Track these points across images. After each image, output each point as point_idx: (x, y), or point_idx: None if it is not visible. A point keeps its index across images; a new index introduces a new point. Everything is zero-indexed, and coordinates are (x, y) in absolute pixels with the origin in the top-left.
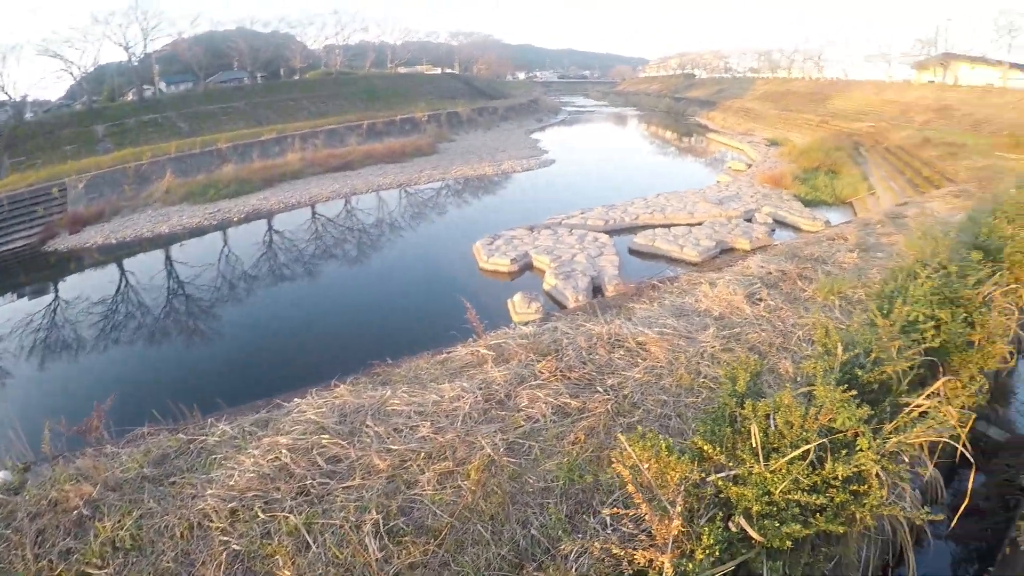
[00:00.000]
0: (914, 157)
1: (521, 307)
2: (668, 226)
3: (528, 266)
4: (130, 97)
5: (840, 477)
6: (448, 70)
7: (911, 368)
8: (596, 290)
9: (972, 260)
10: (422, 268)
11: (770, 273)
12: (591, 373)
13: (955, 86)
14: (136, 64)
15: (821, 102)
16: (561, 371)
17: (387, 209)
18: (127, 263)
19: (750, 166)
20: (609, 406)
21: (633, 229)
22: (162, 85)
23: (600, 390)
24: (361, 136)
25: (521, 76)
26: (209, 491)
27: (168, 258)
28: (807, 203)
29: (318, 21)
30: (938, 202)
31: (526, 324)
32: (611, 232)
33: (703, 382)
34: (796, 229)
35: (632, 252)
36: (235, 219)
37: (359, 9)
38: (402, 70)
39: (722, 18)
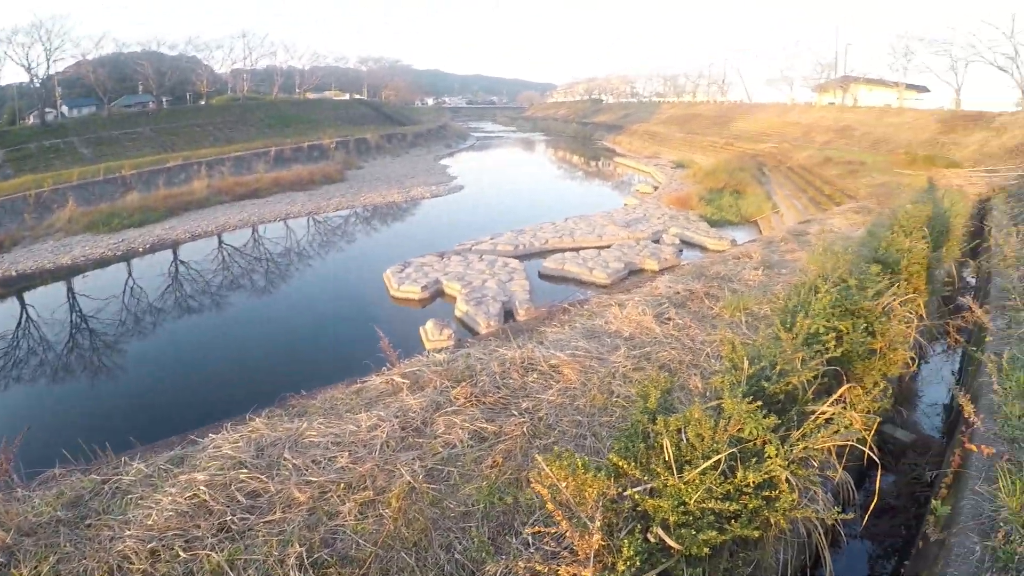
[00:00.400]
0: (816, 176)
1: (433, 334)
2: (577, 249)
3: (439, 293)
4: (31, 121)
5: (752, 484)
6: (357, 96)
7: (815, 378)
8: (508, 315)
9: (871, 273)
10: (333, 297)
11: (678, 293)
12: (506, 397)
13: (854, 107)
14: (38, 86)
15: (726, 125)
16: (476, 396)
17: (296, 238)
18: (28, 296)
19: (657, 188)
20: (525, 429)
21: (543, 253)
22: (64, 108)
23: (515, 414)
24: (269, 163)
25: (430, 102)
26: (127, 532)
27: (71, 291)
28: (713, 223)
29: (226, 44)
30: (839, 219)
31: (439, 351)
32: (521, 257)
33: (616, 401)
34: (703, 249)
35: (542, 276)
36: (140, 249)
37: (267, 33)
38: (310, 96)
39: (629, 44)
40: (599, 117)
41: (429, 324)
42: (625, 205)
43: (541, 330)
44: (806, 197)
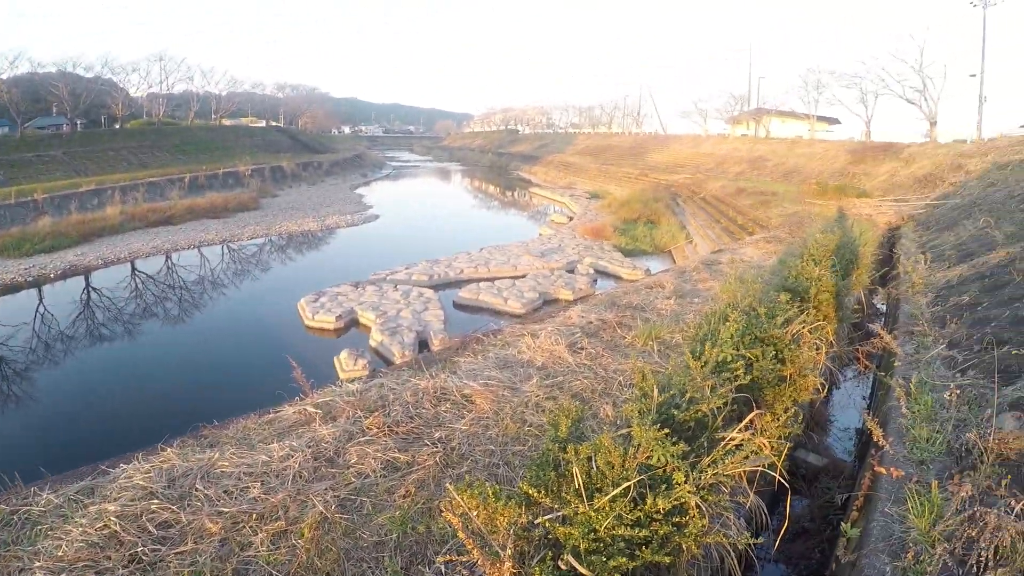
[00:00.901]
0: (729, 206)
1: (348, 364)
2: (493, 279)
3: (354, 322)
4: None
5: (661, 511)
6: (274, 123)
7: (725, 405)
8: (422, 345)
9: (781, 301)
10: (247, 326)
11: (591, 323)
12: (419, 427)
13: (767, 139)
14: None
15: (641, 156)
16: (389, 426)
17: (210, 266)
18: None
19: (571, 219)
20: (438, 458)
21: (458, 283)
22: None
23: (428, 443)
24: (183, 190)
25: (347, 130)
26: (37, 563)
27: None
28: (627, 253)
29: (143, 67)
30: (751, 248)
31: (352, 381)
32: (436, 287)
33: (529, 430)
34: (617, 278)
35: (457, 306)
36: (52, 275)
37: (184, 57)
38: (227, 122)
39: (545, 75)
40: (515, 147)
41: (343, 354)
42: (540, 235)
43: (455, 360)
44: (719, 227)
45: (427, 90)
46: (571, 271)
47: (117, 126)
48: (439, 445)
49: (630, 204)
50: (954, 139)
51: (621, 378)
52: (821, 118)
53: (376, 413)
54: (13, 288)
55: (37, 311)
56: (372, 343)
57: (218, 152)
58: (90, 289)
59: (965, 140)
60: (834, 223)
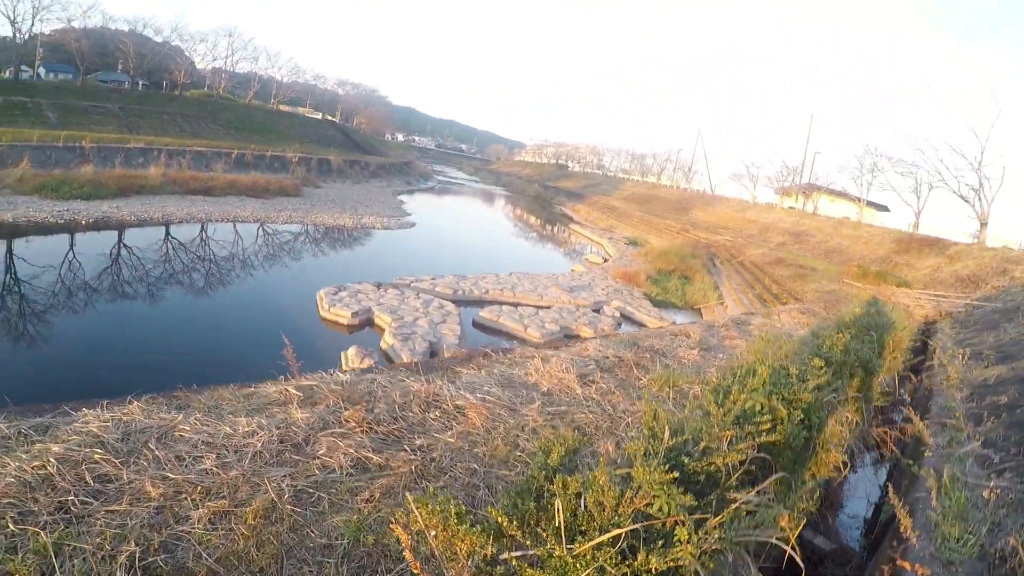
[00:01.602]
0: (766, 274)
1: (354, 361)
2: (516, 305)
3: (369, 322)
4: (6, 75)
5: (654, 571)
6: (330, 117)
7: (742, 463)
8: (432, 355)
9: (814, 366)
10: (262, 306)
11: (607, 358)
12: (401, 430)
13: (814, 215)
14: (20, 42)
15: (685, 211)
16: (368, 423)
17: (239, 243)
18: None
19: (606, 260)
20: (414, 467)
21: (481, 302)
22: (41, 71)
23: (407, 449)
24: (228, 164)
25: (400, 137)
26: None
27: (10, 251)
28: (657, 303)
29: (211, 39)
30: (784, 316)
31: (344, 372)
32: (458, 302)
33: (520, 456)
34: (641, 326)
35: (476, 325)
36: (83, 223)
37: (253, 37)
38: (284, 108)
39: (601, 118)
40: (562, 183)
41: (351, 350)
42: (572, 271)
43: (456, 370)
44: (753, 293)
45: (484, 112)
46: (597, 311)
47: (177, 92)
48: (418, 453)
49: (667, 255)
50: (1003, 244)
51: (630, 419)
52: (871, 203)
53: (359, 406)
54: (44, 229)
55: (65, 257)
56: (383, 345)
57: (271, 135)
58: (121, 244)
59: (1014, 247)
60: (870, 305)
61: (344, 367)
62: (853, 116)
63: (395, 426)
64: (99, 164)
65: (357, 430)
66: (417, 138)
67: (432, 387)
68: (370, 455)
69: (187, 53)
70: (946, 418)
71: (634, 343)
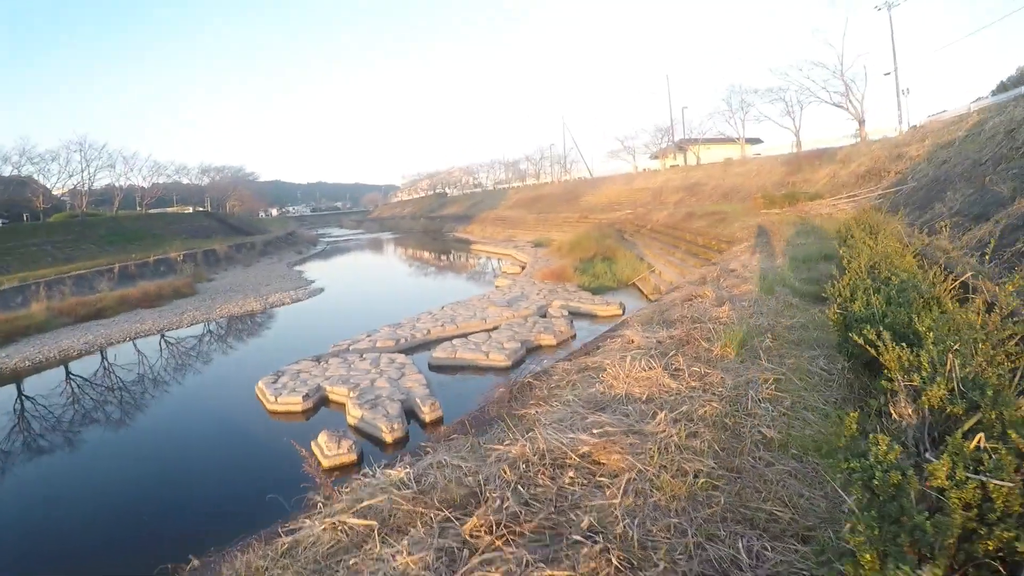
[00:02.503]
0: (684, 230)
1: (330, 448)
2: (465, 335)
3: (324, 401)
4: None
5: None
6: (200, 208)
7: None
8: (409, 415)
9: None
10: (204, 423)
11: (661, 342)
12: (550, 517)
13: (699, 165)
14: None
15: (575, 200)
16: (505, 525)
17: (151, 360)
18: None
19: (524, 267)
20: (615, 560)
21: (427, 344)
22: None
23: (580, 539)
24: (113, 281)
25: (274, 212)
26: None
27: None
28: (593, 291)
29: (62, 156)
30: (748, 256)
31: (388, 467)
32: (405, 351)
33: (701, 483)
34: (593, 316)
35: (433, 368)
36: None
37: (105, 143)
38: (153, 211)
39: (466, 136)
40: (447, 210)
41: (322, 438)
42: (498, 287)
43: (520, 413)
44: (680, 251)
45: (349, 166)
46: (543, 315)
47: (39, 221)
48: (599, 539)
49: (581, 244)
50: (882, 136)
51: (753, 393)
52: (749, 140)
53: (470, 508)
54: None
55: None
56: (351, 420)
57: (147, 240)
58: (21, 397)
59: (893, 134)
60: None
61: (322, 459)
62: (713, 67)
63: (540, 515)
64: None
65: (498, 543)
66: (292, 208)
67: (536, 442)
68: (550, 574)
69: (38, 177)
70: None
71: (663, 319)
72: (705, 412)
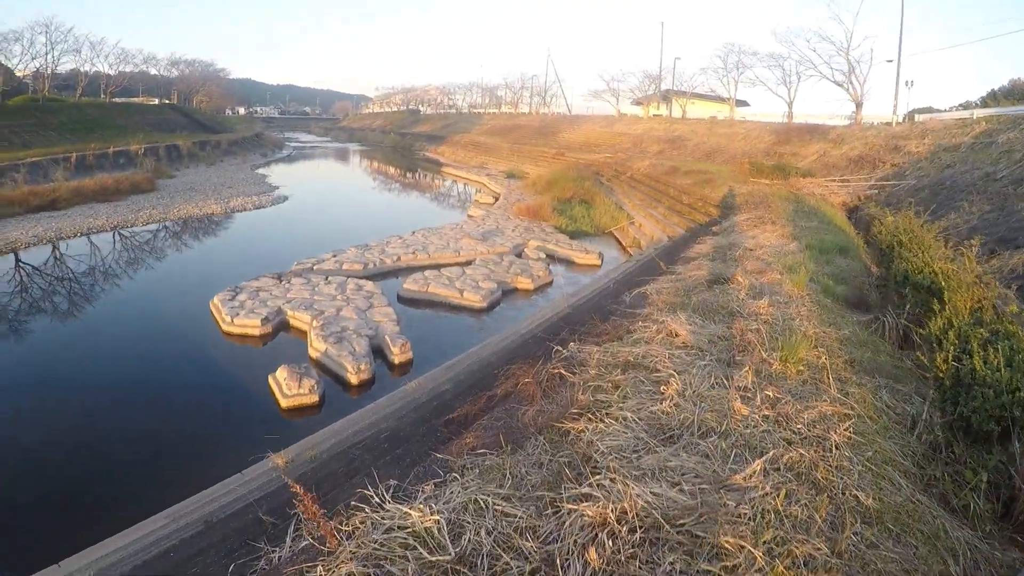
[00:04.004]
0: (667, 185)
1: (289, 387)
2: (437, 267)
3: (284, 325)
4: None
5: None
6: (167, 101)
7: None
8: (376, 352)
9: None
10: (151, 338)
11: (714, 342)
12: None
13: (684, 119)
14: None
15: (552, 135)
16: None
17: (101, 257)
18: None
19: (497, 199)
20: None
21: (396, 272)
22: None
23: None
24: (70, 171)
25: (242, 111)
26: None
27: None
28: (569, 234)
29: (26, 36)
30: (755, 230)
31: (410, 505)
32: (372, 276)
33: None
34: (569, 263)
35: (403, 300)
36: None
37: (72, 26)
38: (118, 100)
39: (445, 55)
40: (418, 127)
41: (281, 372)
42: (471, 217)
43: (566, 427)
44: (663, 206)
45: (322, 72)
46: (519, 255)
47: None
48: None
49: (558, 183)
50: (878, 121)
51: (836, 437)
52: (740, 102)
53: None
54: None
55: None
56: (313, 353)
57: (110, 131)
58: None
59: (891, 122)
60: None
61: (280, 398)
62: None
63: None
64: None
65: None
66: (260, 108)
67: (610, 508)
68: None
69: (2, 59)
70: None
71: (705, 307)
72: (790, 460)
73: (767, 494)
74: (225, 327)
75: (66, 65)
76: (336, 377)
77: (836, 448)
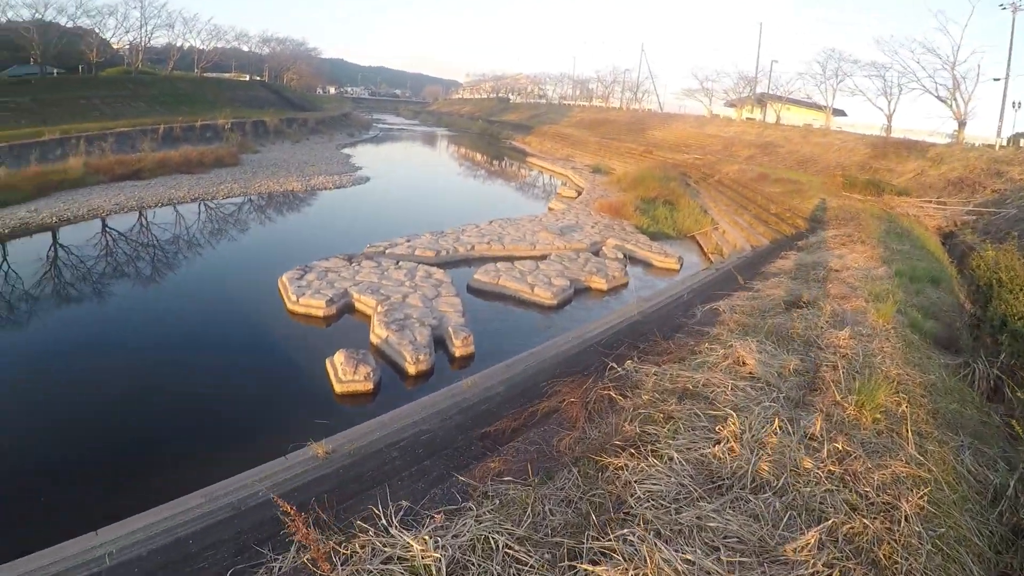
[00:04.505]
0: (755, 191)
1: (345, 372)
2: (509, 259)
3: (349, 307)
4: None
5: None
6: (257, 78)
7: None
8: (438, 343)
9: None
10: (218, 312)
11: (783, 375)
12: None
13: (778, 125)
14: None
15: (641, 132)
16: None
17: (179, 230)
18: None
19: (580, 193)
20: None
21: (469, 261)
22: None
23: None
24: (156, 142)
25: (332, 90)
26: None
27: None
28: (650, 235)
29: (120, 11)
30: (844, 250)
31: (408, 540)
32: (444, 264)
33: None
34: (648, 264)
35: (472, 291)
36: None
37: (166, 2)
38: (210, 75)
39: (538, 45)
40: (507, 116)
41: (339, 357)
42: (551, 210)
43: (604, 461)
44: (749, 214)
45: (415, 56)
46: (596, 252)
47: (91, 74)
48: None
49: (644, 182)
50: (982, 143)
51: (907, 507)
52: (837, 111)
53: None
54: None
55: None
56: (374, 339)
57: (199, 105)
58: (58, 244)
59: (993, 145)
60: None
61: (335, 382)
62: (814, 22)
63: None
64: (13, 164)
65: None
66: (350, 89)
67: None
68: None
69: (97, 31)
70: None
71: (778, 332)
72: (851, 531)
73: (818, 573)
74: (290, 305)
75: (160, 39)
76: (394, 365)
77: (906, 520)
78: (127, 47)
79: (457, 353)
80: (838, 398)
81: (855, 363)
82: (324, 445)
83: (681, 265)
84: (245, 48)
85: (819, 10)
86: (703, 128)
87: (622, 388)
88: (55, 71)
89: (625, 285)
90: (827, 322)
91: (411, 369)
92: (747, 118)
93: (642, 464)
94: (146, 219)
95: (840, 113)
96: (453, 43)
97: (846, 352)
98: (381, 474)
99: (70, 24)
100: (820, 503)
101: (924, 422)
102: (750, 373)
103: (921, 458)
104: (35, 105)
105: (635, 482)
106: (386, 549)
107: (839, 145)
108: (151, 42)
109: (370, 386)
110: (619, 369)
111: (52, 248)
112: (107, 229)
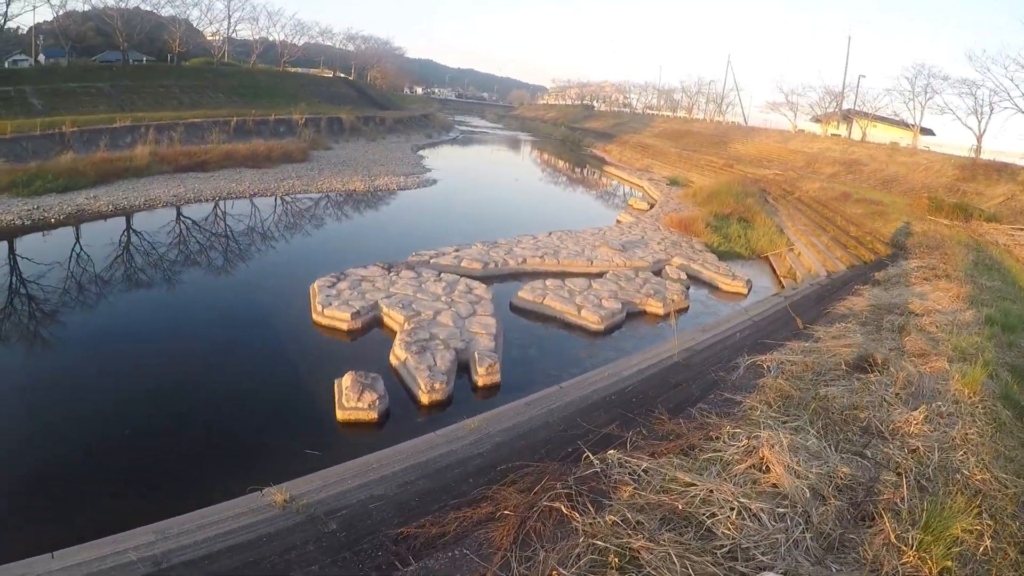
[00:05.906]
0: (834, 212)
1: (349, 398)
2: (562, 275)
3: (376, 322)
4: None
5: None
6: (341, 75)
7: None
8: (461, 370)
9: None
10: (243, 315)
11: (820, 491)
12: None
13: (863, 142)
14: (9, 31)
15: (723, 145)
16: None
17: (228, 223)
18: None
19: (652, 206)
20: None
21: (518, 275)
22: (41, 58)
23: None
24: (228, 134)
25: (419, 91)
26: None
27: None
28: (720, 254)
29: (204, 2)
30: (926, 287)
31: None
32: (490, 279)
33: None
34: (713, 287)
35: (514, 309)
36: (52, 220)
37: None
38: (291, 70)
39: (625, 53)
40: (590, 123)
41: (347, 380)
42: (618, 222)
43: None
44: (827, 236)
45: (503, 59)
46: (657, 272)
47: (174, 63)
48: None
49: (719, 197)
50: None
51: None
52: (924, 130)
53: None
54: (8, 233)
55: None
56: (393, 360)
57: (278, 98)
58: (80, 244)
59: None
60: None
61: (338, 408)
62: (902, 35)
63: None
64: (82, 149)
65: None
66: (437, 90)
67: None
68: None
69: (182, 19)
70: None
71: (818, 410)
72: None
73: None
74: (315, 316)
75: (243, 32)
76: (409, 392)
77: None
78: (219, 39)
79: (480, 382)
80: (893, 537)
81: (927, 464)
82: (282, 492)
83: (749, 289)
84: (328, 43)
85: (910, 22)
86: (786, 143)
87: (592, 491)
88: (144, 59)
89: (686, 310)
90: (897, 393)
91: (424, 398)
92: (832, 134)
93: None
94: (199, 212)
95: (928, 132)
96: (543, 48)
97: (917, 446)
98: (289, 561)
99: (155, 12)
100: None
101: (1007, 543)
102: (773, 485)
103: None
104: (114, 91)
105: None
106: None
107: (926, 165)
108: (235, 34)
109: (374, 415)
110: (595, 462)
111: (90, 238)
112: (157, 220)
